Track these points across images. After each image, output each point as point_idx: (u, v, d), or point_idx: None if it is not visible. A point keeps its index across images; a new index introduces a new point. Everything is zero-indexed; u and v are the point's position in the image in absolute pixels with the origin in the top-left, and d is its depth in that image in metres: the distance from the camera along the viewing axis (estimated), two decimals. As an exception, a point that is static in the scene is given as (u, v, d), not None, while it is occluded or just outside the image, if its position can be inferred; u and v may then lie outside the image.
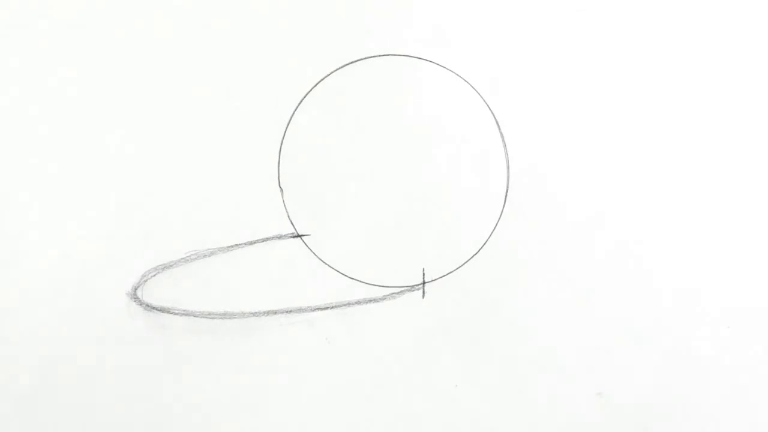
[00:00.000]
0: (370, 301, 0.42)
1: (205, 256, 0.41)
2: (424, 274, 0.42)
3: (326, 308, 0.42)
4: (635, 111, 0.43)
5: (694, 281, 0.43)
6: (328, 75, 0.42)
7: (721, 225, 0.44)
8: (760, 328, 0.44)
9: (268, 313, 0.42)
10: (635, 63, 0.43)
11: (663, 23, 0.44)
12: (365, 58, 0.42)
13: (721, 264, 0.44)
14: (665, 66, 0.44)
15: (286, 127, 0.42)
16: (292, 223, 0.42)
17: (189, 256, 0.41)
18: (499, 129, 0.43)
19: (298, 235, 0.42)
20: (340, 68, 0.42)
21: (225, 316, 0.41)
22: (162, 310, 0.41)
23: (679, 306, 0.43)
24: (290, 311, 0.42)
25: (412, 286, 0.42)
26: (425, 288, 0.42)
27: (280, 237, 0.42)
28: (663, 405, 0.43)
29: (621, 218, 0.43)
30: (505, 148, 0.43)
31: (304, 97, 0.42)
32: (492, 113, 0.43)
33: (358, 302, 0.42)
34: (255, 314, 0.41)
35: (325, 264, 0.42)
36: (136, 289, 0.41)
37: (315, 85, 0.42)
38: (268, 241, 0.42)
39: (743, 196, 0.44)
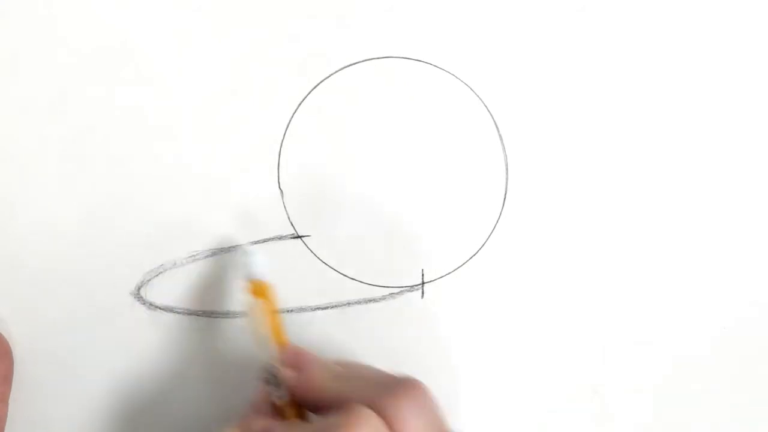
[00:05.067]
0: (370, 300, 0.43)
1: (207, 256, 0.42)
2: (423, 275, 0.43)
3: (326, 308, 0.42)
4: (636, 112, 0.43)
5: (692, 282, 0.43)
6: (328, 77, 0.42)
7: (719, 226, 0.44)
8: (756, 329, 0.44)
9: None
10: (637, 64, 0.43)
11: (666, 27, 0.43)
12: (365, 60, 0.42)
13: (719, 265, 0.44)
14: (667, 69, 0.43)
15: (286, 129, 0.42)
16: (292, 225, 0.42)
17: (191, 256, 0.42)
18: (498, 131, 0.43)
19: (298, 236, 0.42)
20: (339, 70, 0.42)
21: (227, 315, 0.42)
22: (165, 309, 0.42)
23: (676, 306, 0.43)
24: (290, 311, 0.42)
25: (411, 287, 0.43)
26: (424, 288, 0.43)
27: (280, 238, 0.42)
28: (661, 405, 0.44)
29: (620, 219, 0.43)
30: (504, 150, 0.43)
31: (305, 98, 0.42)
32: (491, 115, 0.43)
33: (358, 302, 0.42)
34: (256, 314, 0.42)
35: (325, 264, 0.42)
36: (139, 288, 0.42)
37: (315, 87, 0.42)
38: (269, 242, 0.42)
39: (741, 198, 0.44)
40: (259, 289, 0.39)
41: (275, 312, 0.39)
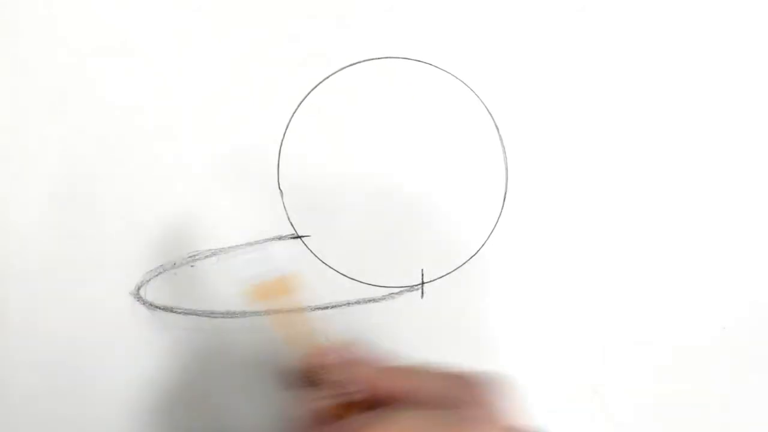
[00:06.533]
0: (369, 300, 0.43)
1: (206, 256, 0.42)
2: (422, 275, 0.43)
3: (326, 308, 0.42)
4: (635, 112, 0.43)
5: (692, 282, 0.44)
6: (328, 77, 0.42)
7: (719, 226, 0.44)
8: (756, 329, 0.44)
9: (269, 312, 0.42)
10: (637, 63, 0.43)
11: (666, 26, 0.43)
12: (364, 61, 0.42)
13: (717, 265, 0.44)
14: (666, 69, 0.43)
15: (286, 129, 0.42)
16: (292, 225, 0.42)
17: (191, 256, 0.42)
18: (498, 131, 0.43)
19: (298, 236, 0.42)
20: (339, 70, 0.42)
21: (227, 315, 0.42)
22: (165, 309, 0.42)
23: (676, 307, 0.44)
24: (290, 311, 0.42)
25: (411, 287, 0.43)
26: (424, 288, 0.43)
27: (280, 238, 0.42)
28: (661, 405, 0.44)
29: (620, 219, 0.43)
30: (504, 150, 0.43)
31: (304, 98, 0.42)
32: (491, 115, 0.43)
33: (358, 302, 0.42)
34: (256, 313, 0.42)
35: (325, 264, 0.42)
36: (139, 288, 0.42)
37: (315, 87, 0.42)
38: (269, 242, 0.42)
39: (741, 198, 0.44)
40: (281, 287, 0.37)
41: (300, 308, 0.37)
